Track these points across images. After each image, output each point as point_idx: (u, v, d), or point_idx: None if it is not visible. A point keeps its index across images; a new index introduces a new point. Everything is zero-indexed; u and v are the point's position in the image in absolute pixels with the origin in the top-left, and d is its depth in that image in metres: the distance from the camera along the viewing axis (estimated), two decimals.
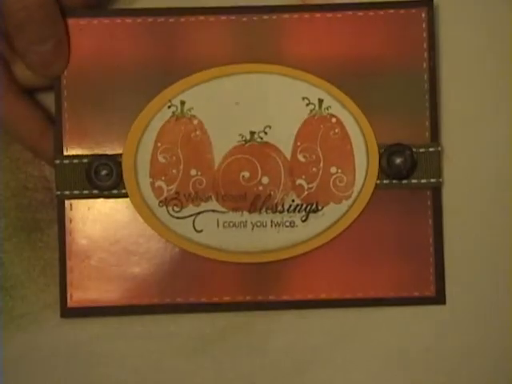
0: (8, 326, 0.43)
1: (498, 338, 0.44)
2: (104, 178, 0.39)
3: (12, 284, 0.43)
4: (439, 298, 0.41)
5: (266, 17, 0.40)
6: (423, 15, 0.40)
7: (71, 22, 0.39)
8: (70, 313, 0.40)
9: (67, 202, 0.40)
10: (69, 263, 0.40)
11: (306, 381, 0.43)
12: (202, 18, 0.39)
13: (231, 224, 0.39)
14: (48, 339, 0.43)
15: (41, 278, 0.43)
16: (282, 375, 0.43)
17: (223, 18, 0.39)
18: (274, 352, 0.42)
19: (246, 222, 0.39)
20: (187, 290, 0.40)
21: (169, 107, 0.39)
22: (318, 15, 0.40)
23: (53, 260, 0.42)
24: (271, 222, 0.39)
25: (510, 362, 0.43)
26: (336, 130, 0.39)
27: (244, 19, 0.40)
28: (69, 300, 0.40)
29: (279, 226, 0.39)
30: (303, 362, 0.43)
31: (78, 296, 0.40)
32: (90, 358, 0.43)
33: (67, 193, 0.39)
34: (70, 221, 0.39)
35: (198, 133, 0.39)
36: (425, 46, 0.40)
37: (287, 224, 0.40)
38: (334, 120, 0.39)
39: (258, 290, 0.40)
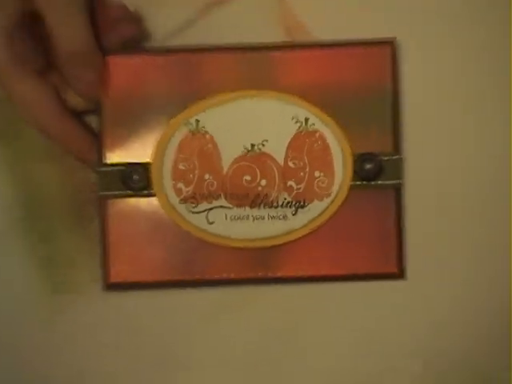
0: (62, 299, 0.49)
1: (449, 308, 0.49)
2: (136, 181, 0.46)
3: (64, 267, 0.49)
4: (400, 274, 0.48)
5: (263, 53, 0.46)
6: (388, 51, 0.46)
7: (110, 59, 0.46)
8: (111, 287, 0.47)
9: (107, 201, 0.47)
10: (109, 248, 0.47)
11: (299, 342, 0.49)
12: (213, 54, 0.46)
13: (236, 217, 0.46)
14: (94, 311, 0.49)
15: (86, 262, 0.49)
16: (279, 335, 0.49)
17: (230, 54, 0.46)
18: (272, 320, 0.49)
19: (248, 215, 0.46)
20: (203, 269, 0.47)
21: (186, 125, 0.46)
22: (304, 52, 0.46)
23: (95, 248, 0.48)
24: (268, 215, 0.46)
25: (461, 328, 0.50)
26: (319, 142, 0.46)
27: (246, 55, 0.46)
28: (110, 276, 0.47)
29: (274, 218, 0.46)
30: (296, 325, 0.49)
31: (116, 273, 0.47)
32: (127, 327, 0.49)
33: (107, 193, 0.46)
34: (109, 215, 0.46)
35: (209, 145, 0.46)
36: (389, 74, 0.46)
37: (280, 217, 0.46)
38: (317, 134, 0.46)
39: (258, 268, 0.47)
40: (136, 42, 0.48)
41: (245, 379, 0.49)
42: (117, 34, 0.46)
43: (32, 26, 0.45)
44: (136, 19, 0.48)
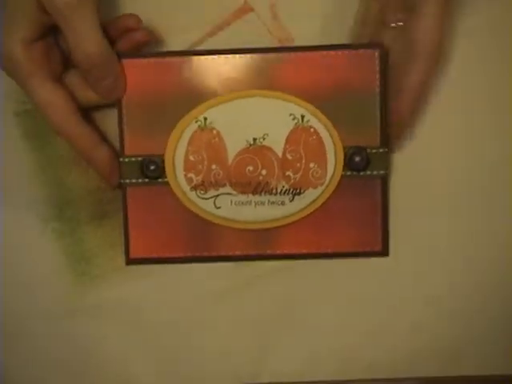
0: (87, 284, 0.54)
1: (428, 283, 0.53)
2: (152, 171, 0.50)
3: (90, 254, 0.54)
4: (384, 252, 0.52)
5: (263, 56, 0.50)
6: (376, 54, 0.50)
7: (126, 61, 0.50)
8: (131, 261, 0.52)
9: (128, 188, 0.51)
10: (129, 229, 0.51)
11: (296, 314, 0.53)
12: (217, 57, 0.50)
13: (240, 203, 0.51)
14: (114, 294, 0.53)
15: (109, 251, 0.54)
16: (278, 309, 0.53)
17: (232, 57, 0.50)
18: (273, 293, 0.53)
19: (251, 201, 0.51)
20: (211, 247, 0.52)
21: (196, 122, 0.50)
22: (300, 54, 0.50)
23: (118, 239, 0.53)
24: (268, 201, 0.51)
25: (434, 300, 0.53)
26: (314, 137, 0.50)
27: (247, 57, 0.50)
28: (130, 252, 0.52)
29: (274, 204, 0.51)
30: (293, 298, 0.53)
31: (136, 250, 0.52)
32: (146, 308, 0.53)
33: (127, 181, 0.51)
34: (129, 200, 0.51)
35: (216, 139, 0.50)
36: (377, 76, 0.50)
37: (279, 203, 0.51)
38: (312, 130, 0.50)
39: (259, 246, 0.52)
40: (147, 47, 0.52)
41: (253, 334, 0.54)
42: (131, 41, 0.50)
43: (50, 34, 0.49)
44: (146, 28, 0.51)
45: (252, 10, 0.54)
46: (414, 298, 0.53)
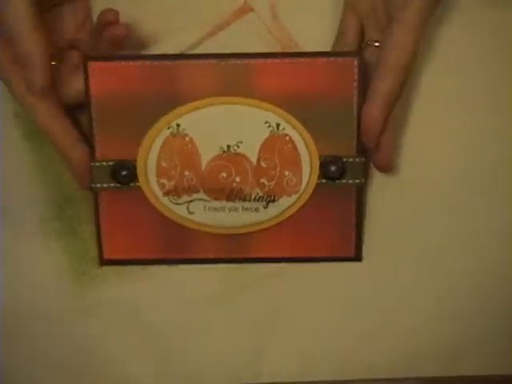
0: (87, 284, 0.54)
1: (425, 282, 0.53)
2: (124, 176, 0.50)
3: (90, 255, 0.54)
4: (357, 257, 0.52)
5: (239, 61, 0.49)
6: (355, 63, 0.48)
7: (95, 64, 0.49)
8: (105, 262, 0.52)
9: (99, 192, 0.50)
10: (102, 230, 0.51)
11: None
12: (192, 61, 0.49)
13: (214, 208, 0.50)
14: (114, 294, 0.54)
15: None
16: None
17: (207, 61, 0.49)
18: (267, 297, 0.53)
19: (224, 207, 0.50)
20: (185, 249, 0.52)
21: (168, 128, 0.49)
22: (277, 61, 0.48)
23: None
24: (242, 207, 0.50)
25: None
26: (289, 145, 0.49)
27: (223, 63, 0.49)
28: (104, 254, 0.52)
29: (247, 210, 0.50)
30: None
31: (109, 252, 0.52)
32: (145, 308, 0.54)
33: (99, 185, 0.50)
34: (101, 204, 0.51)
35: (189, 146, 0.49)
36: (355, 85, 0.49)
37: (253, 209, 0.50)
38: (287, 138, 0.49)
39: (232, 250, 0.52)
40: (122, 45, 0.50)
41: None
42: (110, 35, 0.49)
43: None
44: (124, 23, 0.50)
45: (252, 10, 0.54)
46: (413, 298, 0.54)
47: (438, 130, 0.54)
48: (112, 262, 0.53)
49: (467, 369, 0.53)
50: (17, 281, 0.54)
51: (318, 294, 0.54)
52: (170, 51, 0.53)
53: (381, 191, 0.54)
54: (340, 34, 0.52)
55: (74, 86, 0.50)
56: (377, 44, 0.50)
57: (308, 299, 0.54)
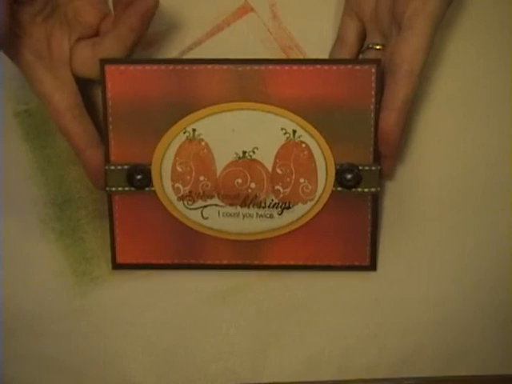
0: (87, 284, 0.54)
1: (425, 283, 0.53)
2: (139, 180, 0.50)
3: (90, 255, 0.54)
4: (372, 266, 0.52)
5: (256, 67, 0.48)
6: (373, 70, 0.48)
7: (113, 67, 0.48)
8: (117, 267, 0.52)
9: (114, 196, 0.50)
10: (116, 233, 0.51)
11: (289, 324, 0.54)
12: (209, 66, 0.48)
13: (228, 214, 0.50)
14: (114, 294, 0.54)
15: (110, 251, 0.52)
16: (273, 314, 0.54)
17: (224, 67, 0.48)
18: (271, 297, 0.54)
19: (239, 213, 0.50)
20: (198, 255, 0.51)
21: (184, 133, 0.49)
22: (294, 67, 0.48)
23: None
24: (256, 213, 0.50)
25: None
26: (305, 152, 0.49)
27: (240, 68, 0.48)
28: (117, 258, 0.52)
29: (262, 217, 0.50)
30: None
31: (122, 256, 0.52)
32: (145, 308, 0.54)
33: (114, 189, 0.50)
34: (116, 207, 0.51)
35: (205, 151, 0.49)
36: (373, 93, 0.48)
37: (267, 216, 0.50)
38: (303, 145, 0.49)
39: (246, 257, 0.51)
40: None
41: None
42: (137, 12, 0.48)
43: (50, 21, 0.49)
44: None
45: (252, 10, 0.53)
46: (413, 298, 0.54)
47: (442, 132, 0.53)
48: (124, 267, 0.52)
49: (467, 369, 0.54)
50: (17, 281, 0.54)
51: (319, 294, 0.54)
52: (171, 51, 0.53)
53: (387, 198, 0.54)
54: (340, 37, 0.51)
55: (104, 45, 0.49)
56: (378, 47, 0.50)
57: (309, 300, 0.54)
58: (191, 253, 0.52)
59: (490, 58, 0.53)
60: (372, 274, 0.53)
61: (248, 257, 0.52)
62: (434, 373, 0.54)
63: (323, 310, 0.54)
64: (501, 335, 0.54)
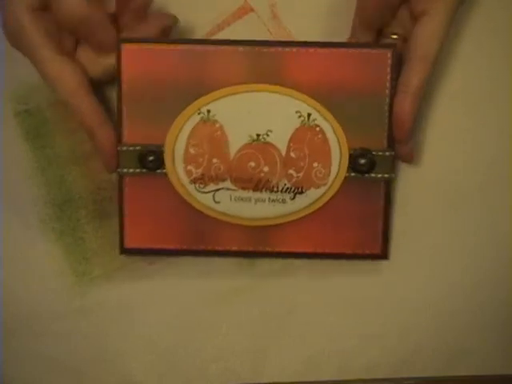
0: (87, 284, 0.54)
1: (425, 287, 0.53)
2: (151, 161, 0.49)
3: (90, 255, 0.54)
4: (383, 255, 0.51)
5: (272, 49, 0.48)
6: (389, 55, 0.48)
7: (128, 46, 0.48)
8: (125, 251, 0.51)
9: (125, 177, 0.50)
10: (125, 217, 0.50)
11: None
12: (224, 47, 0.48)
13: (240, 198, 0.50)
14: (114, 293, 0.53)
15: (110, 251, 0.53)
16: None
17: (240, 48, 0.48)
18: (272, 296, 0.53)
19: (251, 198, 0.50)
20: (207, 241, 0.51)
21: (198, 114, 0.49)
22: (311, 50, 0.48)
23: (118, 239, 0.51)
24: (268, 198, 0.50)
25: (435, 303, 0.53)
26: (319, 136, 0.49)
27: (256, 50, 0.48)
28: (125, 243, 0.51)
29: (274, 201, 0.50)
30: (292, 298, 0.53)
31: (130, 240, 0.51)
32: (145, 308, 0.53)
33: (125, 170, 0.49)
34: (126, 190, 0.50)
35: (218, 133, 0.49)
36: (388, 77, 0.48)
37: (280, 200, 0.50)
38: (318, 129, 0.49)
39: (257, 243, 0.51)
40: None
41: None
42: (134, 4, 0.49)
43: None
44: None
45: (252, 10, 0.54)
46: (413, 298, 0.53)
47: (443, 129, 0.54)
48: (132, 252, 0.52)
49: (467, 369, 0.53)
50: (17, 281, 0.54)
51: (320, 294, 0.54)
52: None
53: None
54: (358, 28, 0.51)
55: (104, 63, 0.50)
56: (394, 37, 0.50)
57: (309, 300, 0.54)
58: (201, 238, 0.51)
59: (491, 58, 0.54)
60: (372, 274, 0.53)
61: (259, 243, 0.51)
62: (434, 373, 0.53)
63: (323, 310, 0.54)
64: (501, 335, 0.53)
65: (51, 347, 0.54)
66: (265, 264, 0.53)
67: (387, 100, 0.49)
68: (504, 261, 0.54)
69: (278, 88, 0.49)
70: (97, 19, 0.48)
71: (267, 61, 0.49)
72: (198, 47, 0.49)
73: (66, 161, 0.54)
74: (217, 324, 0.54)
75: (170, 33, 0.50)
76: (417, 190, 0.53)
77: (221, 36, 0.54)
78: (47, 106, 0.54)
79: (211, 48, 0.49)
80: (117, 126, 0.50)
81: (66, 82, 0.48)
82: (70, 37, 0.50)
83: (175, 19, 0.50)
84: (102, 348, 0.54)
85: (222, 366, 0.54)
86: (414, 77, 0.48)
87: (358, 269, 0.53)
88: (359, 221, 0.51)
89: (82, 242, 0.54)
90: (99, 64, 0.50)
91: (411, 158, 0.51)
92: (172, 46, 0.49)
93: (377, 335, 0.53)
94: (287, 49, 0.49)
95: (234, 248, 0.51)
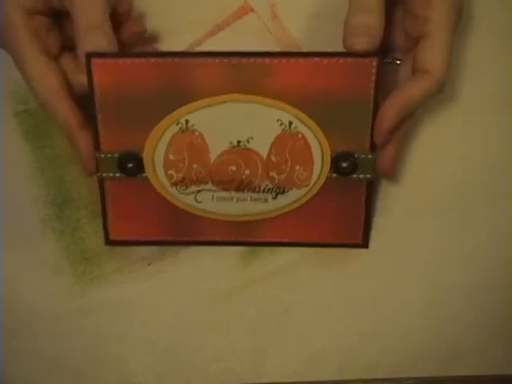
0: (87, 284, 0.54)
1: (425, 283, 0.54)
2: (130, 168, 0.49)
3: (90, 255, 0.54)
4: (364, 244, 0.52)
5: (251, 60, 0.47)
6: (374, 63, 0.47)
7: (101, 61, 0.47)
8: (110, 243, 0.52)
9: (106, 181, 0.50)
10: (108, 214, 0.52)
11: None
12: (202, 59, 0.47)
13: (222, 198, 0.50)
14: (114, 293, 0.54)
15: (110, 251, 0.54)
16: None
17: (218, 60, 0.47)
18: (270, 296, 0.54)
19: (233, 197, 0.50)
20: (191, 233, 0.52)
21: (177, 124, 0.48)
22: (291, 60, 0.47)
23: None
24: (250, 197, 0.50)
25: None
26: (301, 142, 0.49)
27: (234, 61, 0.47)
28: (110, 235, 0.52)
29: (256, 200, 0.50)
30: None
31: (115, 233, 0.52)
32: (145, 308, 0.54)
33: (105, 175, 0.50)
34: (108, 192, 0.51)
35: (199, 140, 0.49)
36: (372, 85, 0.47)
37: (262, 200, 0.50)
38: (299, 135, 0.48)
39: (240, 234, 0.52)
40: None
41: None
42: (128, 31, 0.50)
43: (53, 16, 0.49)
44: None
45: (252, 9, 0.54)
46: (413, 298, 0.54)
47: (435, 129, 0.54)
48: (118, 243, 0.53)
49: (467, 369, 0.53)
50: (17, 281, 0.54)
51: (320, 293, 0.54)
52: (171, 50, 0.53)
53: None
54: None
55: (80, 80, 0.50)
56: (398, 62, 0.50)
57: (309, 299, 0.54)
58: (184, 231, 0.52)
59: (491, 58, 0.54)
60: (372, 273, 0.53)
61: (241, 235, 0.52)
62: (434, 373, 0.53)
63: (323, 309, 0.54)
64: (501, 335, 0.53)
65: (51, 347, 0.54)
66: (261, 263, 0.54)
67: (371, 106, 0.48)
68: (503, 261, 0.54)
69: (257, 98, 0.48)
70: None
71: (247, 72, 0.48)
72: (172, 60, 0.48)
73: (65, 161, 0.55)
74: (216, 324, 0.54)
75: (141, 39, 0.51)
76: (417, 191, 0.54)
77: (221, 36, 0.54)
78: None
79: (187, 60, 0.48)
80: (96, 134, 0.50)
81: (49, 82, 0.48)
82: (55, 42, 0.50)
83: (145, 28, 0.51)
84: (102, 348, 0.54)
85: (221, 366, 0.54)
86: (414, 90, 0.47)
87: (357, 268, 0.54)
88: (340, 215, 0.52)
89: (81, 242, 0.54)
90: (76, 78, 0.50)
91: (391, 172, 0.50)
92: (144, 60, 0.48)
93: (377, 335, 0.53)
94: (267, 59, 0.48)
95: (218, 238, 0.52)
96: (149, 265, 0.54)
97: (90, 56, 0.48)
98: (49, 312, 0.54)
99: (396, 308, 0.53)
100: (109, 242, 0.53)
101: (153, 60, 0.48)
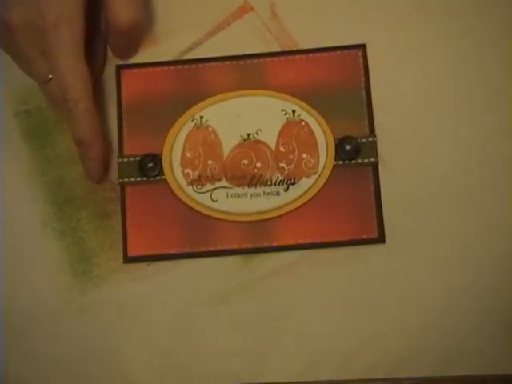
0: (87, 283, 0.54)
1: (424, 283, 0.53)
2: (150, 168, 0.52)
3: (90, 254, 0.54)
4: (380, 239, 0.52)
5: (255, 60, 0.54)
6: (359, 54, 0.54)
7: (128, 71, 0.54)
8: (130, 260, 0.53)
9: (126, 187, 0.52)
10: (128, 227, 0.53)
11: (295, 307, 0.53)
12: (213, 63, 0.54)
13: (236, 195, 0.52)
14: (114, 293, 0.53)
15: (110, 251, 0.54)
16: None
17: (227, 62, 0.54)
18: (271, 295, 0.53)
19: (246, 193, 0.52)
20: (208, 241, 0.52)
21: (192, 121, 0.53)
22: (290, 57, 0.54)
23: (118, 238, 0.53)
24: (263, 192, 0.52)
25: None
26: (305, 130, 0.53)
27: (241, 63, 0.54)
28: (128, 251, 0.53)
29: (269, 194, 0.52)
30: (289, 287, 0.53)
31: (133, 248, 0.53)
32: (145, 308, 0.53)
33: (126, 180, 0.52)
34: (128, 199, 0.53)
35: (212, 136, 0.53)
36: (362, 73, 0.54)
37: (274, 193, 0.52)
38: (303, 123, 0.53)
39: (255, 239, 0.52)
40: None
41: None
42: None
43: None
44: None
45: (252, 9, 0.56)
46: (413, 298, 0.53)
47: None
48: (136, 259, 0.53)
49: (467, 369, 0.52)
50: (17, 281, 0.54)
51: (320, 293, 0.53)
52: (171, 51, 0.56)
53: None
54: None
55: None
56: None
57: (309, 299, 0.53)
58: (202, 239, 0.53)
59: (490, 58, 0.55)
60: (372, 273, 0.53)
61: (258, 239, 0.53)
62: (433, 373, 0.53)
63: (323, 309, 0.53)
64: (501, 335, 0.52)
65: (51, 347, 0.53)
66: (261, 263, 0.53)
67: (363, 93, 0.54)
68: (505, 260, 0.53)
69: (263, 92, 0.53)
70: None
71: (251, 71, 0.54)
72: (189, 66, 0.54)
73: (65, 161, 0.55)
74: (216, 324, 0.53)
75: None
76: (421, 189, 0.54)
77: (221, 35, 0.55)
78: (47, 106, 0.55)
79: (200, 65, 0.54)
80: (118, 140, 0.53)
81: (80, 86, 0.49)
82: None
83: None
84: (102, 348, 0.53)
85: (221, 366, 0.53)
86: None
87: (356, 268, 0.53)
88: (352, 206, 0.53)
89: (81, 242, 0.54)
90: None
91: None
92: (165, 67, 0.54)
93: (377, 335, 0.53)
94: (268, 59, 0.54)
95: (235, 246, 0.53)
96: (149, 265, 0.54)
97: (119, 68, 0.54)
98: (49, 312, 0.54)
99: (396, 308, 0.53)
100: (127, 259, 0.53)
101: (172, 67, 0.54)
